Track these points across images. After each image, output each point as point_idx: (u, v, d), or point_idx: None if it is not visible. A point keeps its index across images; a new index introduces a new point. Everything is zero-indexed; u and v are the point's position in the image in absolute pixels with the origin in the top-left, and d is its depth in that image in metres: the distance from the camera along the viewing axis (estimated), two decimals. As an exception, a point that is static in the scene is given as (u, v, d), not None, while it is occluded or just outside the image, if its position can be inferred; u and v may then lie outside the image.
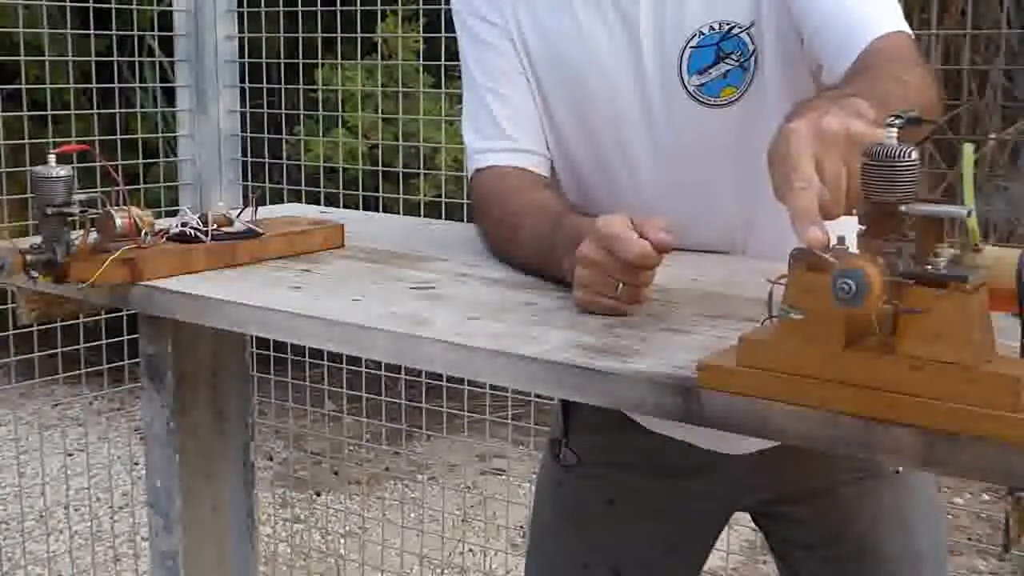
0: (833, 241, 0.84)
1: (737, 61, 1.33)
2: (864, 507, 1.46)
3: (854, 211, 0.88)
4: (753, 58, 1.33)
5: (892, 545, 1.47)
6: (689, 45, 1.34)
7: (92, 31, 2.94)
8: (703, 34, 1.33)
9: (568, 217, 1.26)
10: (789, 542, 1.53)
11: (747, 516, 1.57)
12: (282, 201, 2.53)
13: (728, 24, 1.32)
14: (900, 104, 0.99)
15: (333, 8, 2.75)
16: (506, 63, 1.44)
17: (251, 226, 1.44)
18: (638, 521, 1.50)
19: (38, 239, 1.30)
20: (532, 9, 1.42)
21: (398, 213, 2.70)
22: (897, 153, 0.82)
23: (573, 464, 1.52)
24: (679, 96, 1.35)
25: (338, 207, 2.58)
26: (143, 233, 1.30)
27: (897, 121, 0.83)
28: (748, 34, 1.33)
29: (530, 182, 1.40)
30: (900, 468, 1.46)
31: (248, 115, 2.89)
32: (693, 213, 1.37)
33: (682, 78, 1.35)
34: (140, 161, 2.97)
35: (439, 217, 2.70)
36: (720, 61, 1.34)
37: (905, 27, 1.29)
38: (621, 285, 1.11)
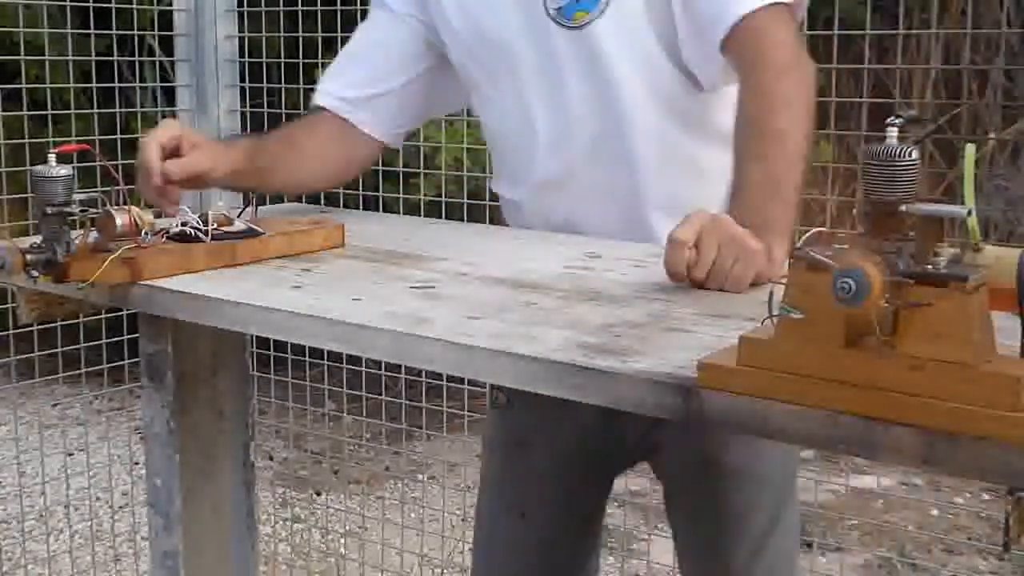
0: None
1: None
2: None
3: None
4: None
5: (739, 464, 1.55)
6: None
7: (92, 31, 2.94)
8: None
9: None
10: (661, 473, 1.65)
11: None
12: (282, 201, 2.53)
13: None
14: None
15: (333, 8, 2.74)
16: (378, 32, 1.66)
17: (251, 226, 1.44)
18: (544, 462, 1.62)
19: (38, 238, 1.30)
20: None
21: (398, 213, 2.70)
22: (897, 153, 0.82)
23: (504, 406, 1.66)
24: (543, 23, 1.50)
25: (338, 207, 2.58)
26: (143, 233, 1.30)
27: (897, 121, 0.83)
28: None
29: (305, 121, 1.69)
30: None
31: (248, 115, 2.89)
32: (577, 149, 1.52)
33: (544, 2, 1.49)
34: (140, 161, 2.97)
35: (439, 217, 2.70)
36: None
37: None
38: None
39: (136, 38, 3.00)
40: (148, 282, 1.28)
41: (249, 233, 1.42)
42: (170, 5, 2.82)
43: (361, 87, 1.65)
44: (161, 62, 3.31)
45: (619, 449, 1.62)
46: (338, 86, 1.66)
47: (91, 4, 2.76)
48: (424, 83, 1.66)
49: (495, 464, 1.71)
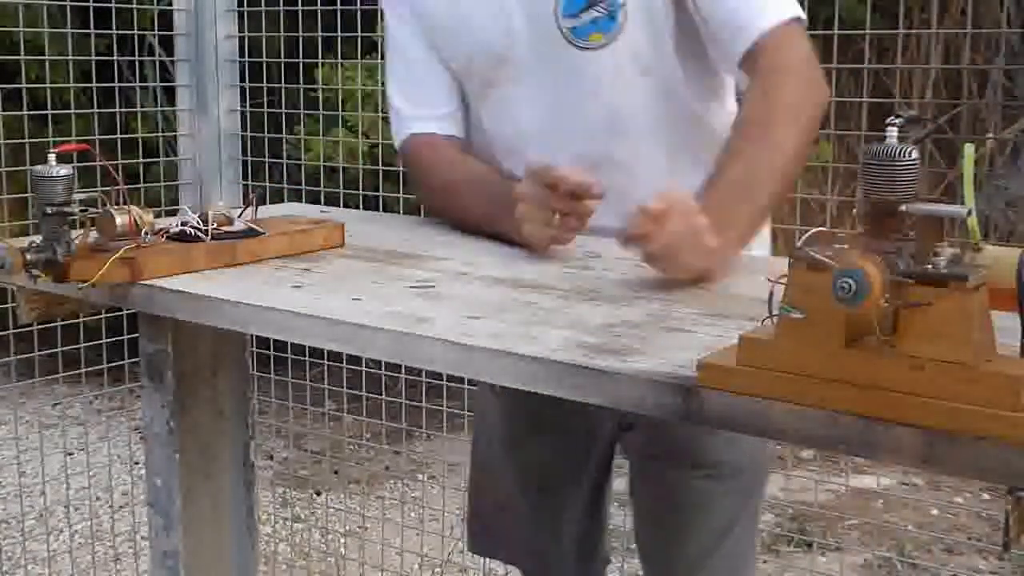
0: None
1: (606, 10, 1.46)
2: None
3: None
4: (623, 10, 1.45)
5: (714, 455, 1.57)
6: None
7: (92, 30, 2.94)
8: None
9: (500, 184, 1.48)
10: (636, 452, 1.67)
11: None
12: (282, 200, 2.53)
13: None
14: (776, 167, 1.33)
15: (333, 8, 2.74)
16: (420, 42, 1.61)
17: (251, 225, 1.44)
18: (543, 444, 1.66)
19: (38, 238, 1.30)
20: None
21: (398, 212, 2.70)
22: (897, 153, 0.82)
23: (501, 394, 1.68)
24: (555, 37, 1.49)
25: (338, 206, 2.58)
26: (143, 232, 1.30)
27: (897, 121, 0.83)
28: None
29: (459, 153, 1.61)
30: None
31: (248, 114, 2.89)
32: (573, 160, 1.49)
33: (557, 19, 1.48)
34: (140, 160, 2.97)
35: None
36: (591, 7, 1.47)
37: (791, 9, 1.44)
38: (557, 216, 1.33)
39: (136, 38, 3.00)
40: (148, 282, 1.28)
41: (249, 233, 1.42)
42: (170, 5, 2.82)
43: (439, 106, 1.63)
44: (161, 62, 3.31)
45: (599, 429, 1.65)
46: (426, 111, 1.64)
47: (91, 4, 2.76)
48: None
49: (490, 449, 1.75)
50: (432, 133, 1.62)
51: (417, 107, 1.64)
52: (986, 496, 3.49)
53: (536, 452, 1.70)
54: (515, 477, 1.73)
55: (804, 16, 1.46)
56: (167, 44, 2.97)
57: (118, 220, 1.28)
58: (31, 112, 2.83)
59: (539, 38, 1.50)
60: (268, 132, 2.94)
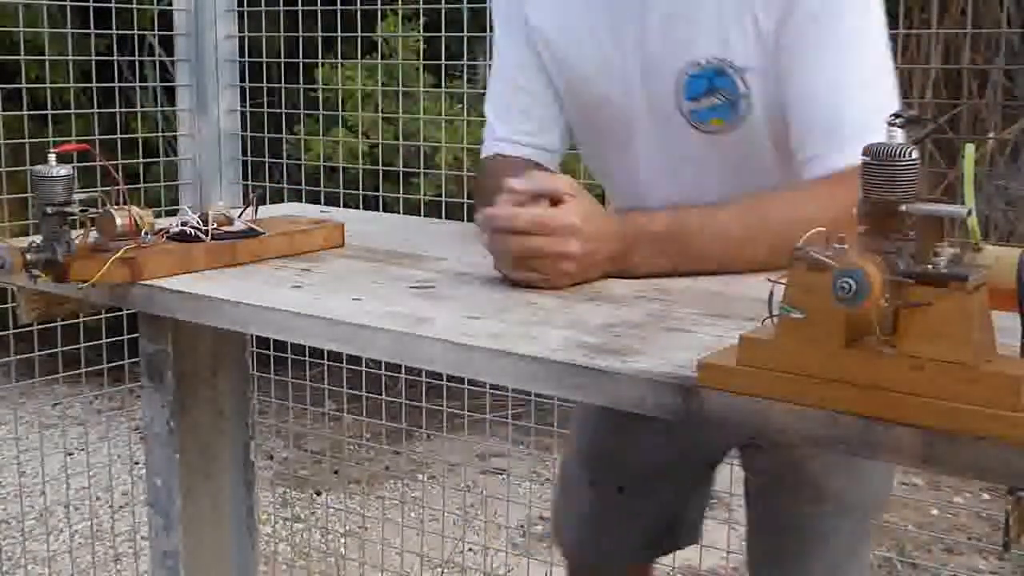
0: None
1: (726, 98, 1.42)
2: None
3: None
4: (745, 100, 1.41)
5: (838, 486, 1.54)
6: (686, 72, 1.43)
7: (92, 30, 2.94)
8: (699, 65, 1.42)
9: None
10: (752, 469, 1.65)
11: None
12: (282, 200, 2.53)
13: (723, 61, 1.40)
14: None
15: (333, 7, 2.74)
16: (529, 57, 1.56)
17: (251, 225, 1.44)
18: (644, 445, 1.65)
19: (38, 238, 1.30)
20: (549, 12, 1.53)
21: (398, 212, 2.70)
22: (897, 152, 0.82)
23: None
24: (674, 116, 1.45)
25: (338, 206, 2.58)
26: (143, 232, 1.30)
27: (897, 121, 0.83)
28: (741, 78, 1.40)
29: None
30: None
31: (248, 114, 2.89)
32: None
33: (678, 100, 1.44)
34: (140, 160, 2.97)
35: (439, 217, 2.70)
36: (710, 94, 1.42)
37: (854, 157, 1.19)
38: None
39: (136, 38, 3.00)
40: (148, 282, 1.28)
41: (249, 233, 1.42)
42: (170, 5, 2.82)
43: (532, 134, 1.59)
44: (161, 62, 3.31)
45: (712, 439, 1.65)
46: (517, 136, 1.60)
47: (91, 4, 2.76)
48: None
49: (591, 447, 1.78)
50: (516, 158, 1.57)
51: (508, 128, 1.60)
52: (986, 496, 3.49)
53: (619, 455, 1.72)
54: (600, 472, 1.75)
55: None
56: (167, 44, 2.97)
57: (118, 220, 1.28)
58: (31, 112, 2.83)
59: (659, 115, 1.47)
60: (268, 132, 2.94)
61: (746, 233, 1.30)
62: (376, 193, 2.99)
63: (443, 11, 2.76)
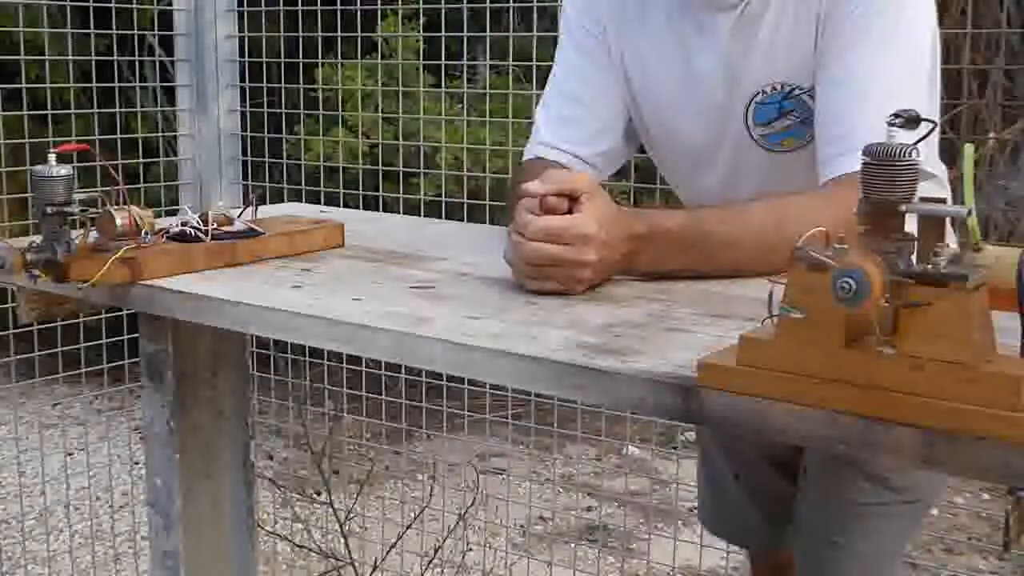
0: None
1: (798, 118, 1.47)
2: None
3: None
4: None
5: (898, 477, 1.53)
6: (754, 100, 1.48)
7: (92, 30, 2.94)
8: (766, 92, 1.47)
9: None
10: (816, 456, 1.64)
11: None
12: (282, 200, 2.53)
13: (789, 86, 1.45)
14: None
15: (333, 8, 2.74)
16: (597, 75, 1.58)
17: (251, 225, 1.44)
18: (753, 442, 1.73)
19: (38, 238, 1.30)
20: (635, 41, 1.56)
21: (398, 212, 2.70)
22: (897, 153, 0.82)
23: None
24: (745, 141, 1.50)
25: (338, 206, 2.58)
26: (143, 232, 1.30)
27: (897, 121, 0.83)
28: (809, 95, 1.44)
29: None
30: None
31: (248, 114, 2.89)
32: None
33: (748, 127, 1.49)
34: (140, 160, 2.97)
35: (439, 217, 2.70)
36: (782, 117, 1.48)
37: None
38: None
39: (136, 38, 3.00)
40: (148, 282, 1.28)
41: (249, 233, 1.42)
42: (170, 5, 2.82)
43: (578, 145, 1.59)
44: (161, 62, 3.31)
45: None
46: (564, 145, 1.60)
47: (91, 4, 2.76)
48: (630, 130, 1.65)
49: (713, 442, 1.88)
50: (552, 162, 1.56)
51: (552, 134, 1.59)
52: (986, 496, 3.49)
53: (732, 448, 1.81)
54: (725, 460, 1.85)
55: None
56: (167, 44, 2.97)
57: (118, 220, 1.28)
58: (31, 112, 2.83)
59: (729, 142, 1.51)
60: (268, 132, 2.94)
61: (762, 235, 1.29)
62: (376, 193, 2.99)
63: (443, 11, 2.76)
